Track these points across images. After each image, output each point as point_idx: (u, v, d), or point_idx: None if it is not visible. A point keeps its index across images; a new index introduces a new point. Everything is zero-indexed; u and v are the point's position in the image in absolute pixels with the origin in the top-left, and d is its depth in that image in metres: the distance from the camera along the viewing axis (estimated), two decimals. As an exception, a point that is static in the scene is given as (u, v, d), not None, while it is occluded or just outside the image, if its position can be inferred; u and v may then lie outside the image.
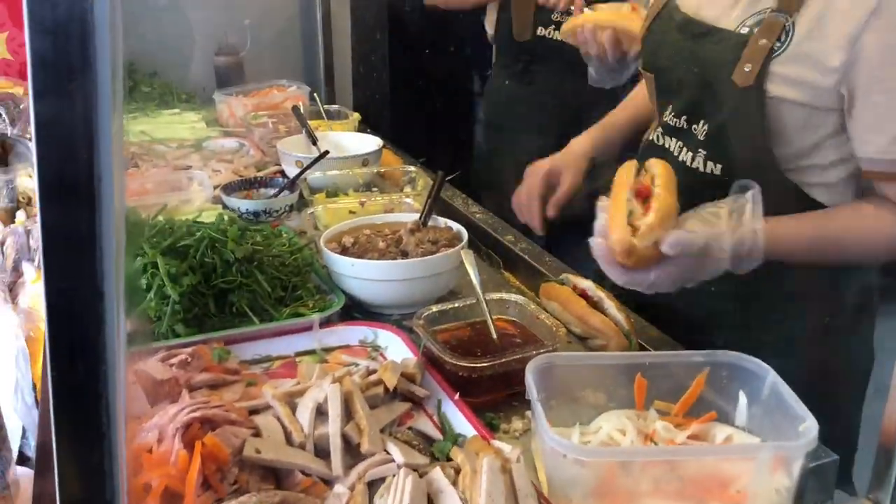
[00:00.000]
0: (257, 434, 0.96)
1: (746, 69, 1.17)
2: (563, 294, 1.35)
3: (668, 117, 1.33)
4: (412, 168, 1.95)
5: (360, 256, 1.38)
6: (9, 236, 1.54)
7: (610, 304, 1.30)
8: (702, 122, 1.27)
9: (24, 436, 1.15)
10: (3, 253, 1.53)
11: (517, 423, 1.09)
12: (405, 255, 1.39)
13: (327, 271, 1.40)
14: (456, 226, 1.50)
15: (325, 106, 2.44)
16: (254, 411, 1.03)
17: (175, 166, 2.04)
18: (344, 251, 1.40)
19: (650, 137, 1.41)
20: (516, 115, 2.36)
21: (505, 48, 2.38)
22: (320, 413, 0.99)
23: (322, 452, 0.96)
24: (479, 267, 1.58)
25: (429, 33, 3.11)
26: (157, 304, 1.21)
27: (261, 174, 1.92)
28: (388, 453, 0.95)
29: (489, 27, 2.42)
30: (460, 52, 3.11)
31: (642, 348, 1.26)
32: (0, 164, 1.91)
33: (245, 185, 1.81)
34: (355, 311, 1.37)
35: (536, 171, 1.63)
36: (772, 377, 0.98)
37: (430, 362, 1.17)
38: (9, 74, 2.28)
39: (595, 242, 1.12)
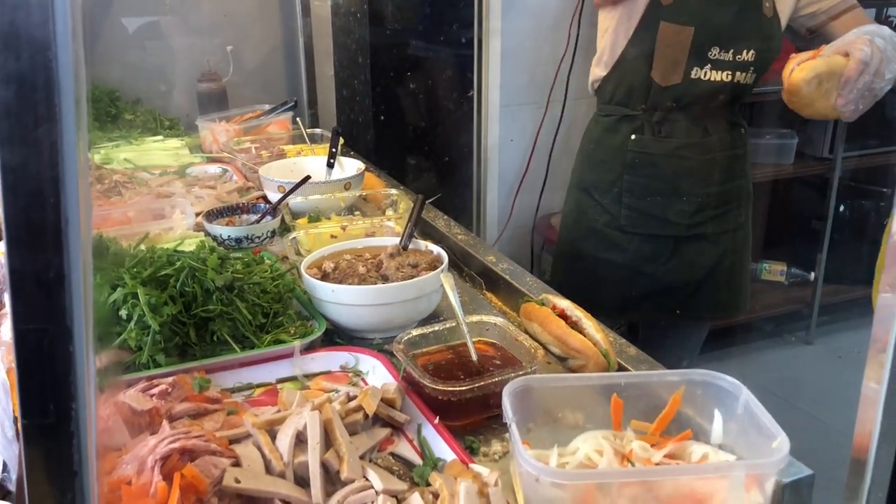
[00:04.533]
0: (237, 463, 0.97)
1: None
2: (542, 314, 1.36)
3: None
4: (394, 191, 1.96)
5: (340, 282, 1.39)
6: (-9, 268, 1.54)
7: (588, 324, 1.31)
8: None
9: (4, 469, 1.15)
10: (-15, 285, 1.53)
11: (496, 446, 1.10)
12: (386, 279, 1.41)
13: (309, 297, 1.41)
14: (436, 249, 1.51)
15: (308, 130, 2.46)
16: (234, 440, 1.03)
17: (158, 193, 2.05)
18: (324, 277, 1.41)
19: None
20: (650, 175, 2.01)
21: (626, 93, 2.00)
22: (300, 441, 1.00)
23: (302, 480, 0.96)
24: (460, 288, 1.60)
25: (410, 57, 3.15)
26: (138, 334, 1.22)
27: (243, 200, 1.93)
28: (367, 480, 0.96)
29: (600, 69, 2.04)
30: (441, 74, 3.15)
31: (621, 367, 1.28)
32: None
33: (227, 212, 1.82)
34: (337, 336, 1.38)
35: None
36: (745, 395, 0.99)
37: (410, 386, 1.17)
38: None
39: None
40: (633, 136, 2.00)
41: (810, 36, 1.97)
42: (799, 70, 1.70)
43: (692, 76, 1.91)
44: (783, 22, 1.94)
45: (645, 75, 1.93)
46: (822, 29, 1.93)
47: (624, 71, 1.99)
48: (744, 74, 1.92)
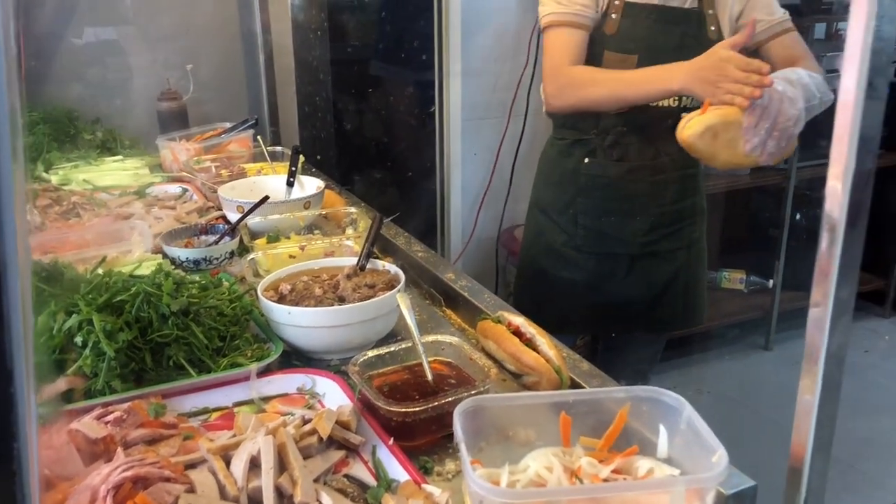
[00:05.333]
0: (192, 490, 0.98)
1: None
2: (497, 332, 1.39)
3: None
4: (353, 209, 1.98)
5: (296, 304, 1.40)
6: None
7: (542, 341, 1.34)
8: None
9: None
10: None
11: (450, 465, 1.11)
12: (342, 300, 1.42)
13: (266, 319, 1.42)
14: (393, 268, 1.53)
15: (270, 147, 2.46)
16: (190, 465, 1.04)
17: (118, 214, 2.04)
18: (281, 299, 1.42)
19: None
20: (603, 197, 2.03)
21: (576, 118, 2.02)
22: (254, 465, 1.01)
23: (256, 505, 0.97)
24: (419, 306, 1.62)
25: (371, 73, 3.17)
26: (93, 361, 1.22)
27: (202, 221, 1.93)
28: (320, 503, 0.97)
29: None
30: (403, 90, 3.18)
31: (574, 383, 1.30)
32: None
33: (185, 233, 1.82)
34: (294, 358, 1.39)
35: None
36: (688, 411, 1.03)
37: (366, 408, 1.19)
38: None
39: None
40: (586, 160, 2.03)
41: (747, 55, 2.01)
42: (689, 127, 1.67)
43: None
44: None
45: None
46: (760, 49, 1.94)
47: None
48: (690, 98, 1.94)
